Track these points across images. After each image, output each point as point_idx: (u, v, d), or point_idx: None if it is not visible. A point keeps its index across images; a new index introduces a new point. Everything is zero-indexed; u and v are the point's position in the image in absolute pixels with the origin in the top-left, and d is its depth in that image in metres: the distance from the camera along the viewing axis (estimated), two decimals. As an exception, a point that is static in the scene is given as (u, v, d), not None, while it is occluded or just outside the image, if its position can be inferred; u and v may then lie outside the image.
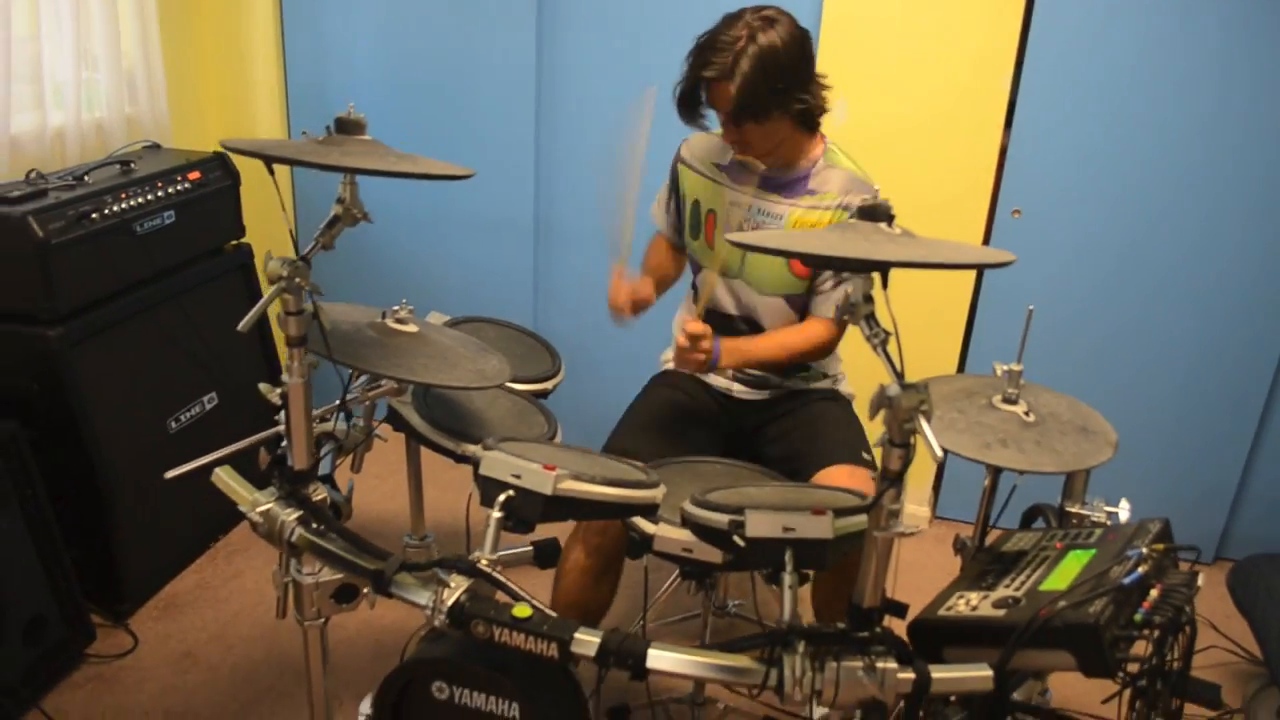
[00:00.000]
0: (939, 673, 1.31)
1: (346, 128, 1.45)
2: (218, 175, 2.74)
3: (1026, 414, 1.66)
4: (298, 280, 1.41)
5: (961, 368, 3.05)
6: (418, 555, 2.45)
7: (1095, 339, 2.91)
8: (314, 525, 1.53)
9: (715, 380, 2.20)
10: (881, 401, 1.18)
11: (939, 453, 1.14)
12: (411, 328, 1.76)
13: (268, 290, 1.43)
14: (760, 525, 1.39)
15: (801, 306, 2.09)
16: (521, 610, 1.34)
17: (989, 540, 1.77)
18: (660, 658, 1.30)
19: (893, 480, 1.24)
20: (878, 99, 2.76)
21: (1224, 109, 2.65)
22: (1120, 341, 2.91)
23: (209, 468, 1.69)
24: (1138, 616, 1.41)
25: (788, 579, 1.37)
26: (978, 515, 1.80)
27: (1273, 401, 2.89)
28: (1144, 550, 1.49)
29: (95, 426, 2.31)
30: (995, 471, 1.77)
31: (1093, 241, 2.82)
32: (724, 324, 2.13)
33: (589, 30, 2.99)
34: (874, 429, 1.25)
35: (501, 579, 1.40)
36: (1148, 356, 2.90)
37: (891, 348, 1.23)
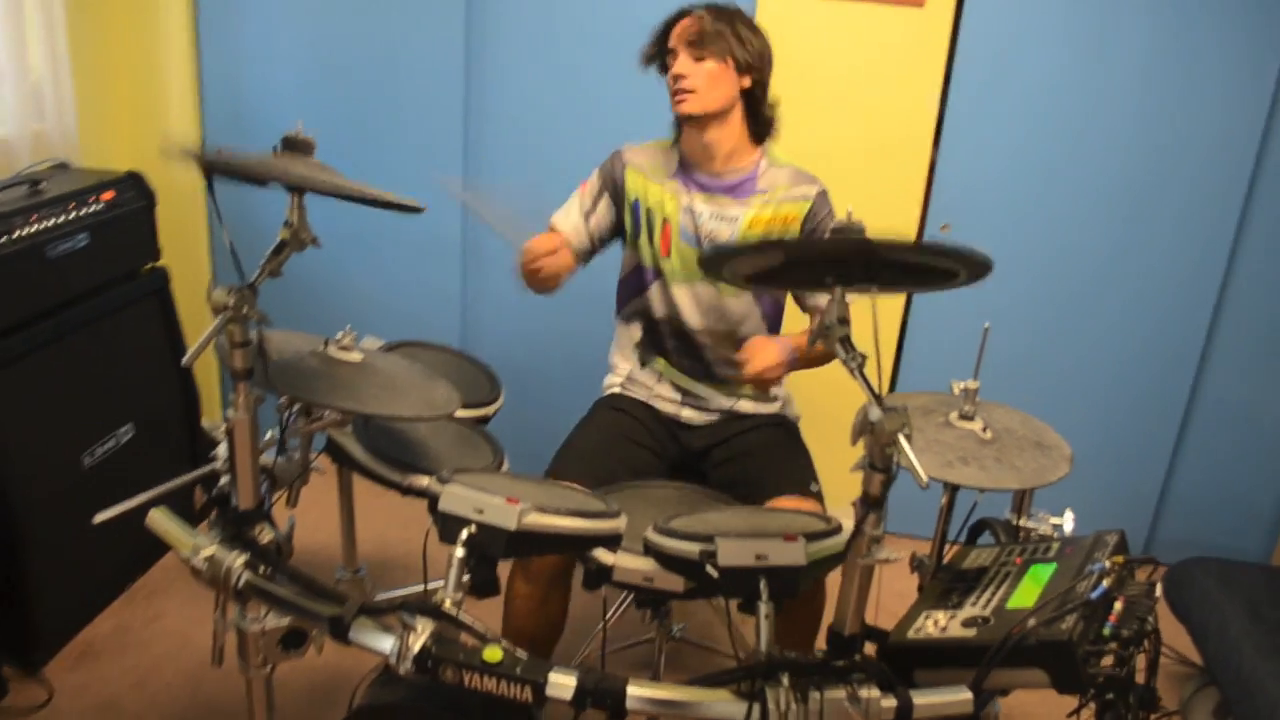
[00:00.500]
0: (920, 698, 1.30)
1: (296, 147, 1.37)
2: (132, 196, 2.60)
3: (984, 430, 1.67)
4: (245, 310, 1.32)
5: (893, 384, 3.08)
6: (351, 589, 2.36)
7: (1019, 350, 2.96)
8: (261, 569, 1.44)
9: (663, 405, 2.17)
10: (864, 427, 1.16)
11: (924, 478, 1.13)
12: (355, 356, 1.68)
13: (212, 319, 1.34)
14: (732, 554, 1.37)
15: (766, 305, 2.13)
16: (492, 653, 1.29)
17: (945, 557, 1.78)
18: (639, 696, 1.26)
19: (873, 505, 1.22)
20: (810, 117, 2.77)
21: (1144, 123, 2.74)
22: (1044, 352, 2.97)
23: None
24: (1105, 630, 1.42)
25: (763, 608, 1.34)
26: (936, 532, 1.79)
27: (1192, 408, 2.99)
28: (1106, 564, 1.50)
29: (4, 463, 2.17)
30: (953, 489, 1.78)
31: (1017, 254, 2.87)
32: (687, 337, 2.12)
33: (518, 44, 2.94)
34: (834, 456, 1.23)
35: (468, 621, 1.33)
36: (1071, 366, 2.96)
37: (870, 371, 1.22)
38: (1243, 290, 2.87)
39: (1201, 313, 2.88)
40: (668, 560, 1.48)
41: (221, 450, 1.61)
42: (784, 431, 2.15)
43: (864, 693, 1.26)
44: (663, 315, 2.14)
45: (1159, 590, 1.50)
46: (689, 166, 2.10)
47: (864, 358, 1.22)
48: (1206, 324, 2.89)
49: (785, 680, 1.24)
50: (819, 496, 1.93)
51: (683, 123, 2.05)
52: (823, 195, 2.09)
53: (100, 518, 1.61)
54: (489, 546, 1.39)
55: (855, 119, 2.82)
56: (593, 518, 1.47)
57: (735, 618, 2.49)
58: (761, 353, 1.91)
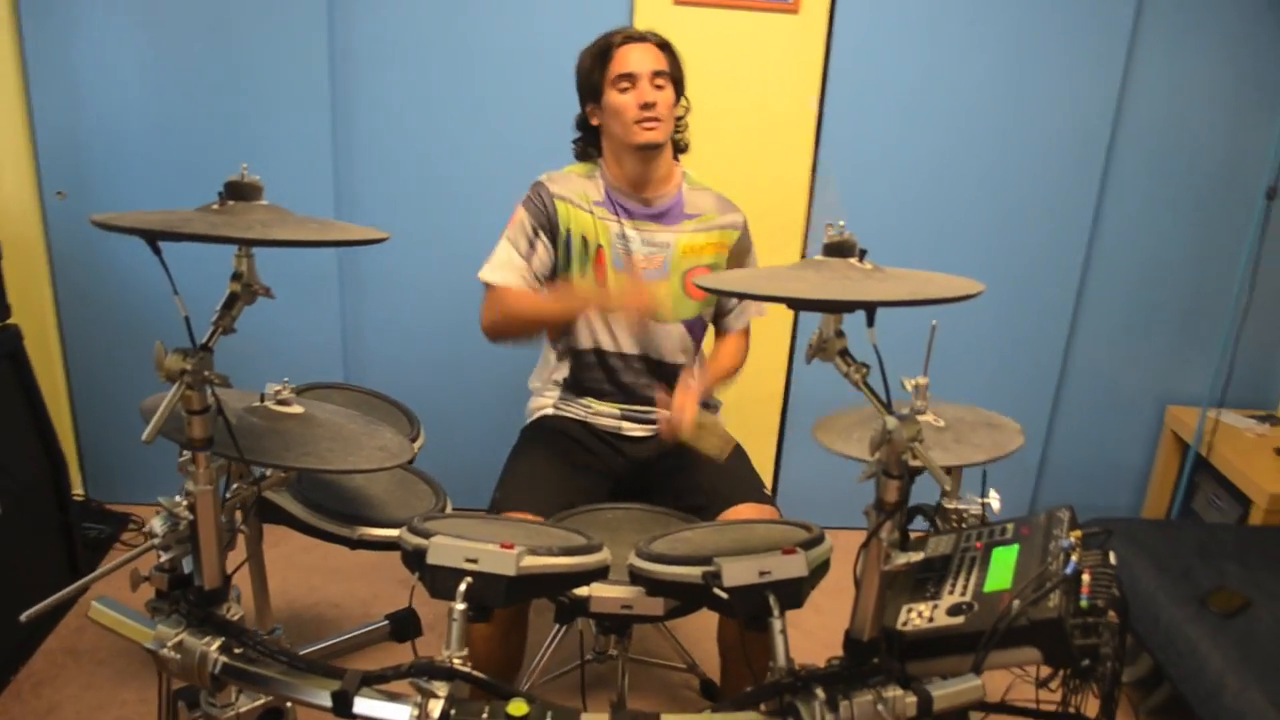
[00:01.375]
0: (937, 690, 1.32)
1: (242, 192, 1.27)
2: (-27, 251, 2.37)
3: (936, 420, 1.73)
4: (204, 374, 1.21)
5: (788, 383, 3.15)
6: (268, 651, 2.22)
7: (905, 333, 3.07)
8: (236, 651, 1.33)
9: (602, 421, 2.14)
10: (882, 438, 1.17)
11: (947, 483, 1.15)
12: (297, 409, 1.58)
13: (174, 389, 1.22)
14: (737, 574, 1.36)
15: (697, 330, 2.16)
16: (518, 708, 1.23)
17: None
18: (674, 731, 1.23)
19: (890, 513, 1.24)
20: (696, 125, 2.80)
21: (1006, 116, 2.91)
22: (921, 330, 3.10)
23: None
24: (1084, 603, 1.49)
25: (777, 624, 1.34)
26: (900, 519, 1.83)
27: (1064, 379, 3.20)
28: (1072, 540, 1.58)
29: None
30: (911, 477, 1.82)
31: (897, 244, 2.99)
32: (622, 363, 2.10)
33: (385, 64, 2.83)
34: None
35: (483, 678, 1.27)
36: (953, 346, 3.10)
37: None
38: (1102, 269, 3.10)
39: (1068, 291, 3.09)
40: (660, 586, 1.46)
41: (157, 526, 1.47)
42: None
43: (888, 693, 1.27)
44: (589, 346, 2.11)
45: (1113, 558, 1.58)
46: (616, 193, 2.07)
47: (867, 368, 1.23)
48: (1073, 301, 3.10)
49: (820, 693, 1.24)
50: (772, 501, 1.95)
51: (637, 150, 1.99)
52: (745, 225, 2.16)
53: (27, 616, 1.45)
54: (487, 596, 1.33)
55: (738, 123, 2.87)
56: (582, 554, 1.43)
57: (672, 630, 2.53)
58: (682, 411, 1.92)
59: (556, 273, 2.09)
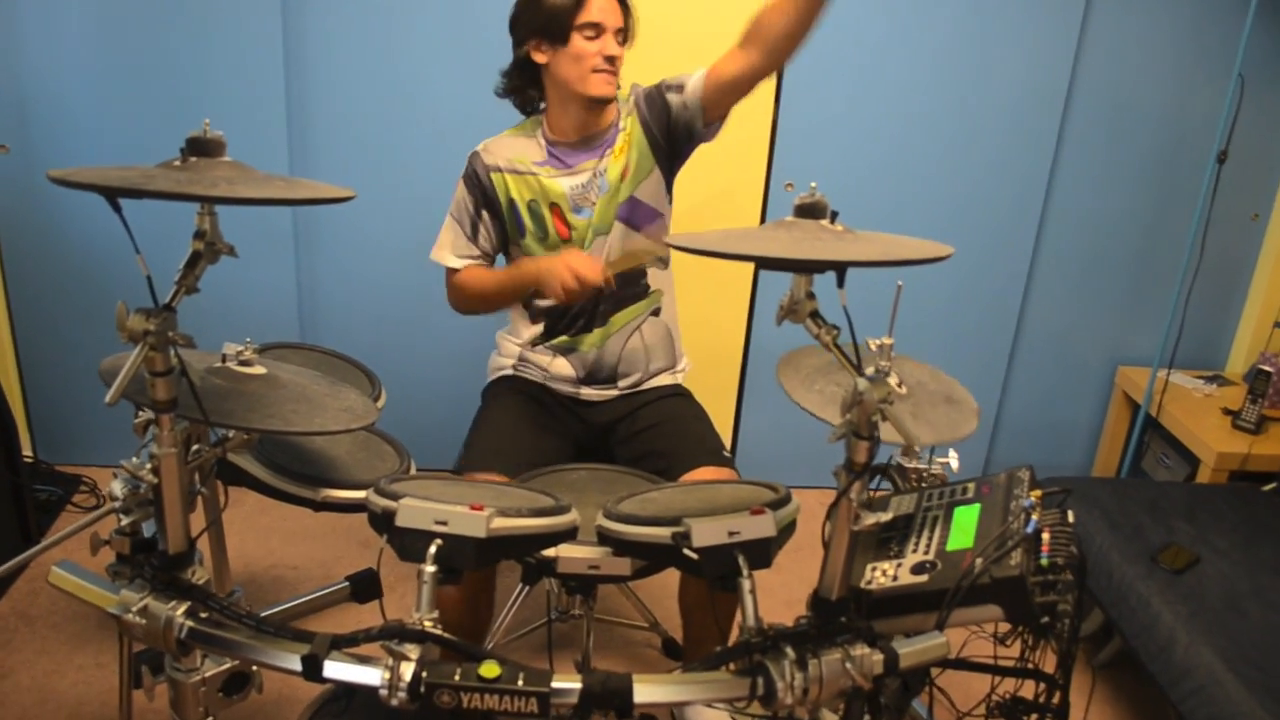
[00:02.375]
0: (903, 648, 1.34)
1: (204, 148, 1.23)
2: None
3: (899, 386, 1.74)
4: (169, 334, 1.19)
5: (747, 340, 3.16)
6: (228, 613, 2.20)
7: (862, 294, 3.10)
8: (203, 615, 1.32)
9: (560, 386, 2.13)
10: (854, 399, 1.18)
11: (918, 446, 1.16)
12: (260, 369, 1.56)
13: (137, 350, 1.19)
14: (706, 534, 1.36)
15: (637, 217, 2.07)
16: (490, 669, 1.23)
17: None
18: (647, 691, 1.24)
19: (859, 473, 1.25)
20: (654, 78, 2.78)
21: (969, 78, 2.92)
22: (885, 290, 3.13)
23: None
24: (1044, 561, 1.52)
25: (746, 584, 1.35)
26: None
27: (1019, 340, 3.24)
28: (1032, 499, 1.61)
29: None
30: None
31: (856, 206, 2.96)
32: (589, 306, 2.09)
33: (339, 16, 2.76)
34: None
35: (454, 640, 1.27)
36: (912, 307, 3.11)
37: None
38: (1056, 231, 3.13)
39: (1023, 253, 3.12)
40: (628, 546, 1.46)
41: (117, 488, 1.44)
42: (685, 401, 2.16)
43: (855, 651, 1.29)
44: (553, 301, 2.09)
45: (1071, 517, 1.61)
46: (559, 147, 2.04)
47: (837, 329, 1.23)
48: (1027, 265, 3.14)
49: (790, 652, 1.25)
50: (731, 463, 1.96)
51: (587, 100, 1.96)
52: (639, 91, 2.06)
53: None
54: (457, 558, 1.32)
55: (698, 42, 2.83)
56: (551, 515, 1.43)
57: (634, 589, 2.54)
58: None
59: (508, 244, 2.10)
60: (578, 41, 1.91)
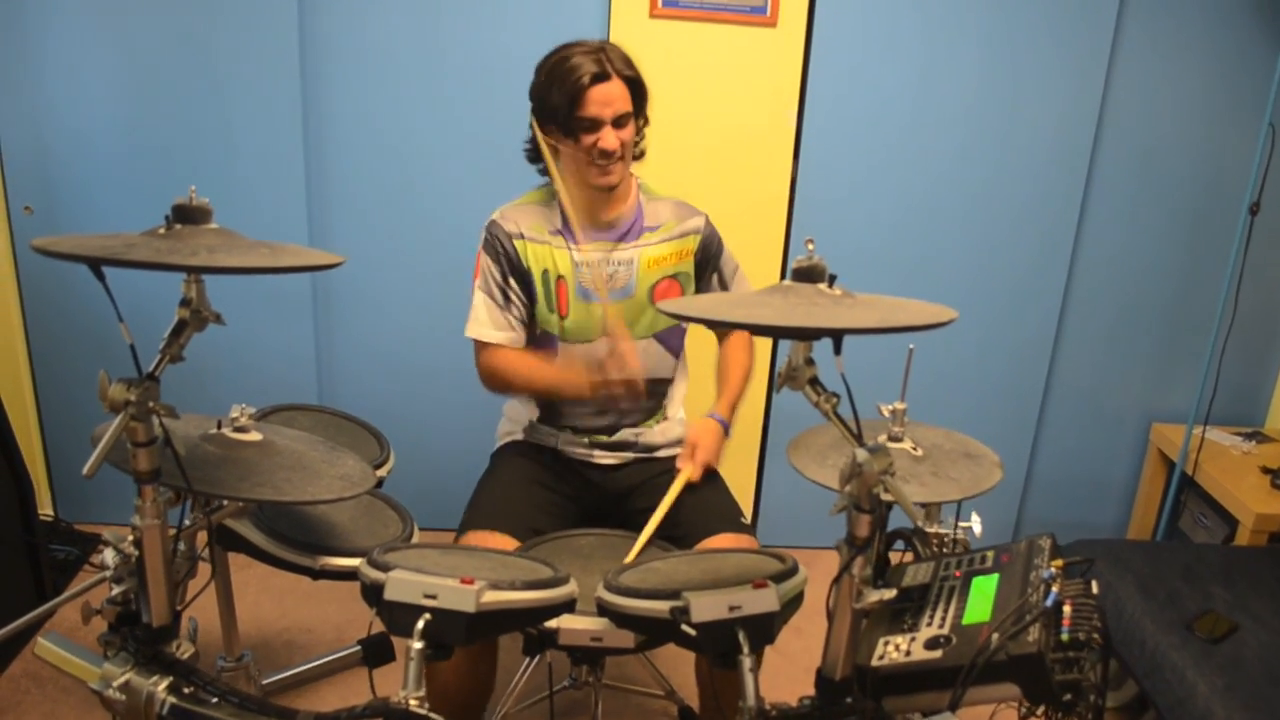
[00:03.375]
0: (913, 733, 1.28)
1: (189, 216, 1.22)
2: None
3: (914, 449, 1.69)
4: (150, 404, 1.17)
5: (768, 404, 3.11)
6: (235, 678, 2.16)
7: (885, 352, 3.05)
8: (186, 691, 1.28)
9: (573, 449, 2.09)
10: (852, 471, 1.13)
11: (920, 518, 1.11)
12: (255, 436, 1.54)
13: (117, 420, 1.17)
14: (706, 609, 1.31)
15: (673, 341, 2.09)
16: (476, 752, 1.18)
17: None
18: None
19: (861, 547, 1.20)
20: (672, 137, 2.76)
21: (987, 128, 2.88)
22: (897, 360, 3.08)
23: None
24: (1065, 636, 1.45)
25: (746, 662, 1.29)
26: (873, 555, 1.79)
27: (1048, 397, 3.16)
28: (1054, 570, 1.54)
29: None
30: (886, 508, 1.78)
31: (878, 261, 2.96)
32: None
33: (358, 78, 2.79)
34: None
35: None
36: (937, 365, 3.07)
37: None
38: (1085, 285, 3.07)
39: (1051, 308, 3.06)
40: (627, 620, 1.41)
41: (109, 557, 1.42)
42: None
43: (861, 736, 1.23)
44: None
45: (1095, 587, 1.54)
46: (572, 219, 2.01)
47: (837, 397, 1.19)
48: (1056, 319, 3.07)
49: (790, 737, 1.19)
50: (750, 530, 1.91)
51: (594, 189, 1.95)
52: (709, 223, 2.10)
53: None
54: (447, 633, 1.28)
55: (715, 138, 2.83)
56: (547, 587, 1.38)
57: (649, 655, 2.48)
58: (704, 449, 1.97)
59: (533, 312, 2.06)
60: (579, 134, 1.89)
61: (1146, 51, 2.85)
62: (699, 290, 2.11)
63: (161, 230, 1.21)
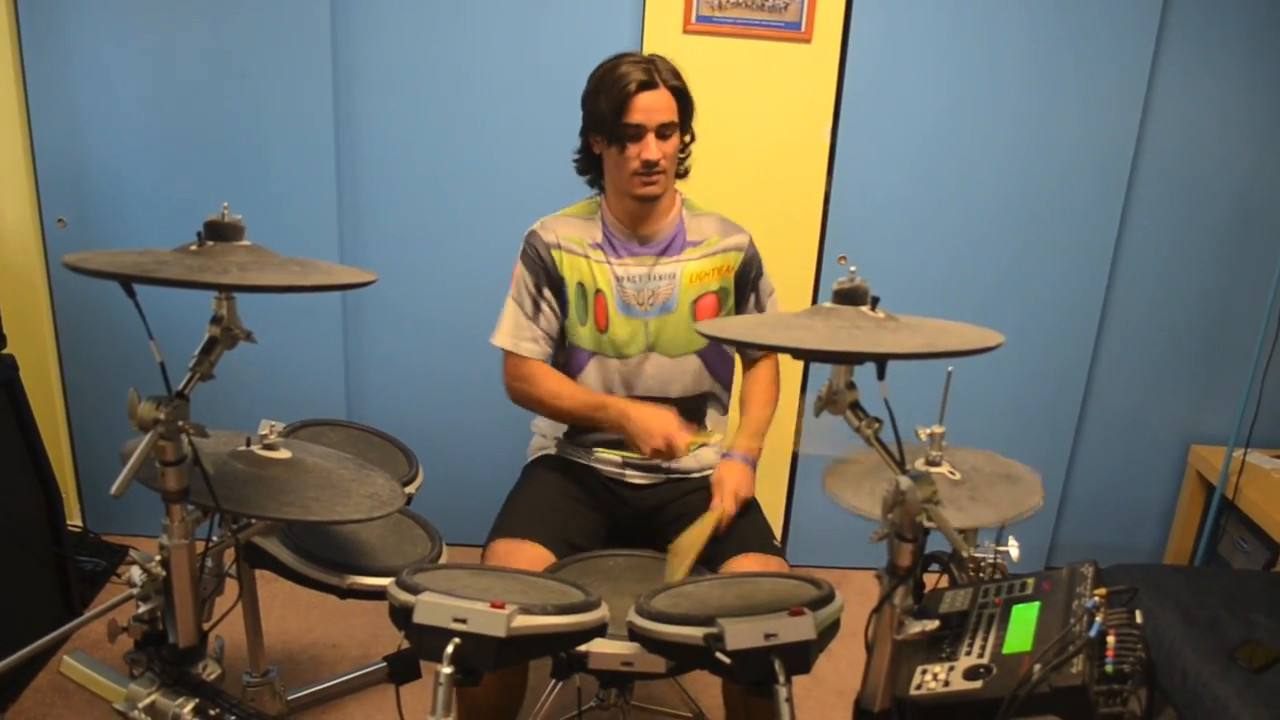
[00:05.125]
0: (953, 766, 1.24)
1: (221, 233, 1.21)
2: (-31, 280, 2.33)
3: (952, 473, 1.65)
4: (179, 423, 1.15)
5: (800, 418, 3.07)
6: (260, 694, 2.15)
7: (919, 373, 3.01)
8: (211, 713, 1.27)
9: (605, 467, 2.07)
10: (895, 499, 1.10)
11: (965, 549, 1.07)
12: (284, 454, 1.52)
13: (146, 439, 1.16)
14: (741, 636, 1.28)
15: (713, 358, 2.06)
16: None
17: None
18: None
19: (903, 578, 1.16)
20: (705, 153, 2.74)
21: (1024, 147, 2.84)
22: (942, 374, 3.03)
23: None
24: (1109, 668, 1.41)
25: (782, 692, 1.26)
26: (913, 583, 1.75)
27: (1084, 419, 3.11)
28: (1097, 599, 1.50)
29: None
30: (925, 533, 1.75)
31: (912, 280, 2.92)
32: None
33: (390, 94, 2.79)
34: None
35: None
36: (970, 386, 3.02)
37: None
38: (1123, 304, 3.02)
39: (1088, 327, 3.00)
40: (660, 645, 1.38)
41: (136, 575, 1.41)
42: None
43: (901, 770, 1.19)
44: (617, 389, 2.05)
45: (1139, 617, 1.49)
46: (615, 232, 2.01)
47: (879, 423, 1.16)
48: (1093, 340, 3.02)
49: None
50: (780, 552, 1.88)
51: (635, 200, 1.95)
52: (752, 244, 2.08)
53: (3, 665, 1.38)
54: (476, 659, 1.26)
55: (750, 154, 2.81)
56: (578, 611, 1.36)
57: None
58: (735, 485, 1.94)
59: (563, 325, 2.05)
60: (625, 141, 1.88)
61: (1187, 71, 2.80)
62: (736, 311, 2.08)
63: (193, 247, 1.20)
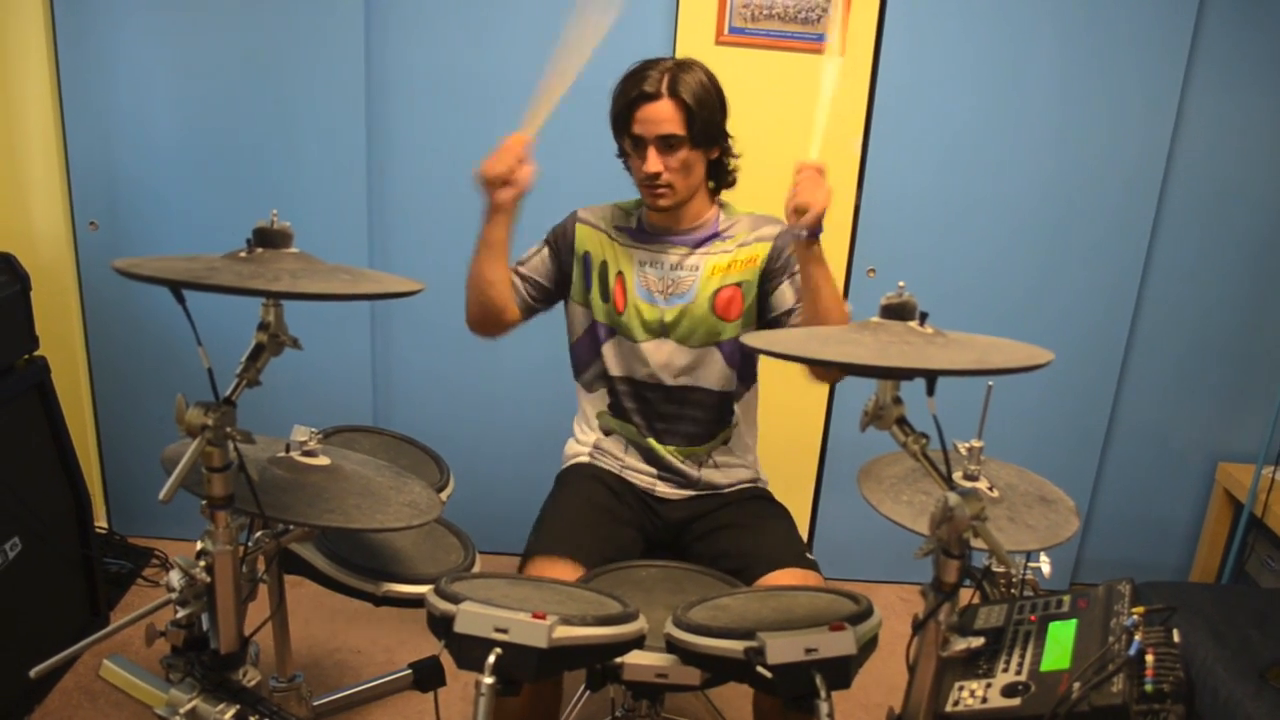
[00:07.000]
0: (995, 785, 1.24)
1: (271, 240, 1.22)
2: (4, 280, 2.34)
3: (991, 489, 1.64)
4: (227, 430, 1.16)
5: (825, 431, 3.07)
6: (287, 699, 2.15)
7: (946, 386, 3.00)
8: (251, 719, 1.27)
9: (636, 479, 2.07)
10: (944, 515, 1.10)
11: (1014, 567, 1.07)
12: (324, 460, 1.53)
13: (194, 444, 1.16)
14: (782, 650, 1.28)
15: (731, 352, 2.01)
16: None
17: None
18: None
19: (948, 594, 1.16)
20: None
21: (1054, 161, 2.83)
22: (970, 387, 3.02)
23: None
24: (1149, 687, 1.40)
25: (824, 707, 1.26)
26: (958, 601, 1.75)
27: (1111, 435, 3.09)
28: (1136, 618, 1.49)
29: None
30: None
31: (940, 293, 2.91)
32: (663, 394, 2.03)
33: (422, 100, 2.81)
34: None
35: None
36: (999, 399, 3.00)
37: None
38: (1152, 320, 3.00)
39: (1116, 343, 2.99)
40: (697, 658, 1.38)
41: (175, 579, 1.41)
42: (764, 501, 2.07)
43: (943, 789, 1.19)
44: (620, 374, 2.04)
45: (1177, 636, 1.48)
46: (649, 224, 2.03)
47: (926, 439, 1.15)
48: (1121, 355, 3.00)
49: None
50: (815, 566, 1.86)
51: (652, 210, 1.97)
52: (785, 238, 2.00)
53: (37, 671, 1.39)
54: (517, 669, 1.26)
55: (780, 166, 2.79)
56: (618, 623, 1.36)
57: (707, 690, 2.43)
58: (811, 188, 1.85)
59: (558, 286, 2.07)
60: (631, 152, 1.91)
61: (1219, 83, 2.79)
62: (765, 294, 1.98)
63: (243, 254, 1.21)
